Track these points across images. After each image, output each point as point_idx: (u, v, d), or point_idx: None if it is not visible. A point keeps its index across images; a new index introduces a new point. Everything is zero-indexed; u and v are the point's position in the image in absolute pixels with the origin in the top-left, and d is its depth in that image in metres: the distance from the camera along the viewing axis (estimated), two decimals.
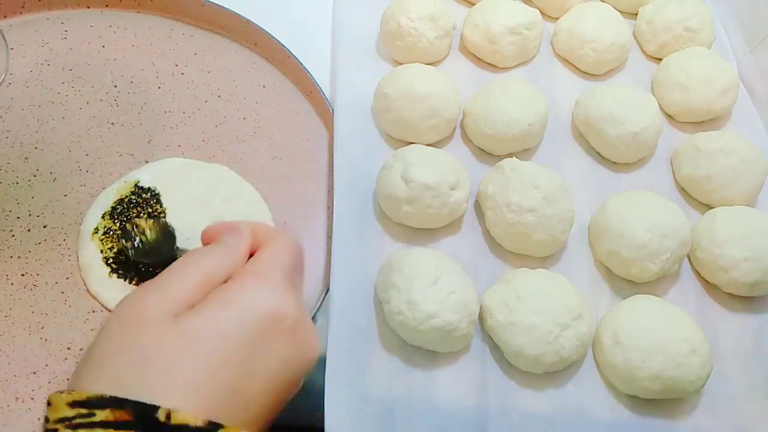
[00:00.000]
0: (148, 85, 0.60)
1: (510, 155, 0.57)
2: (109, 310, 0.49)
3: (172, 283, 0.32)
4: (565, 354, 0.46)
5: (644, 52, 0.69)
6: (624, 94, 0.59)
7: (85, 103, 0.58)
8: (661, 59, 0.67)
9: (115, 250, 0.51)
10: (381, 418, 0.45)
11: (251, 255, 0.37)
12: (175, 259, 0.48)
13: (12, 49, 0.59)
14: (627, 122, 0.57)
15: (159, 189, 0.54)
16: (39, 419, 0.44)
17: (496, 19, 0.62)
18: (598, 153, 0.61)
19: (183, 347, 0.29)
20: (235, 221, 0.39)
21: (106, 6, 0.64)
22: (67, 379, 0.45)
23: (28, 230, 0.51)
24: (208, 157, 0.57)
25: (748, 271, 0.51)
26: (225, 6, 0.63)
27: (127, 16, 0.64)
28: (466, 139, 0.59)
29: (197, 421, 0.28)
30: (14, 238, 0.51)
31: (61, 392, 0.29)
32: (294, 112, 0.61)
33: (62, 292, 0.49)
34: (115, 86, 0.60)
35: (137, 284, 0.50)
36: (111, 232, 0.52)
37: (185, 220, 0.53)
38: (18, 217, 0.52)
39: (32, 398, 0.44)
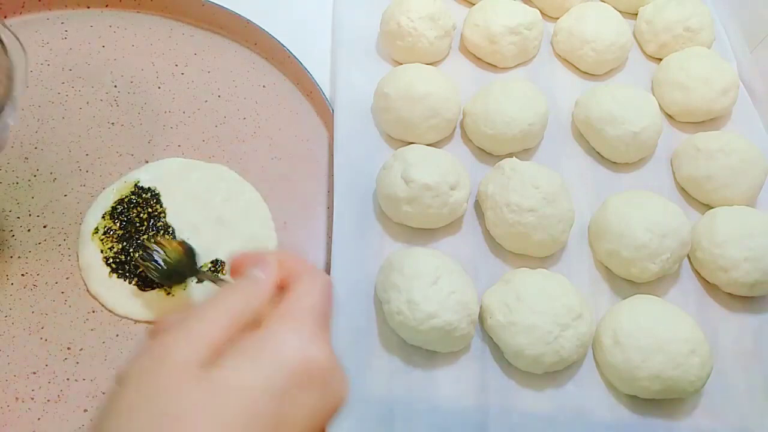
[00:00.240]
0: (148, 85, 0.60)
1: (510, 155, 0.57)
2: (109, 310, 0.49)
3: (198, 328, 0.30)
4: (565, 354, 0.46)
5: (644, 52, 0.69)
6: (624, 94, 0.59)
7: (85, 103, 0.58)
8: (661, 59, 0.67)
9: (115, 250, 0.51)
10: (381, 418, 0.45)
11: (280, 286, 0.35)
12: (196, 278, 0.48)
13: None
14: (627, 122, 0.57)
15: (159, 189, 0.54)
16: (39, 419, 0.44)
17: (496, 19, 0.62)
18: (598, 153, 0.61)
19: (209, 403, 0.27)
20: (263, 252, 0.37)
21: (106, 6, 0.64)
22: (67, 379, 0.45)
23: (28, 230, 0.51)
24: (208, 157, 0.57)
25: (748, 271, 0.51)
26: (225, 6, 0.63)
27: (127, 16, 0.64)
28: (466, 139, 0.59)
29: None
30: (14, 238, 0.51)
31: None
32: (294, 112, 0.61)
33: (62, 292, 0.49)
34: (115, 86, 0.60)
35: (137, 284, 0.50)
36: (111, 232, 0.52)
37: (185, 220, 0.53)
38: (18, 217, 0.52)
39: (32, 398, 0.44)
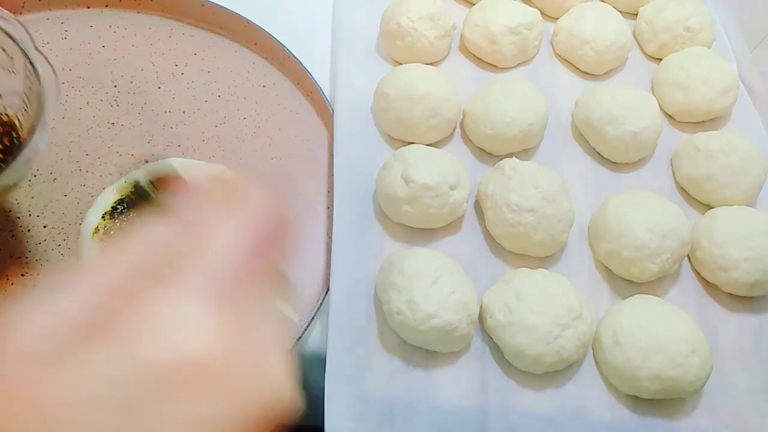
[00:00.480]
0: (148, 85, 0.60)
1: (510, 155, 0.57)
2: None
3: (64, 297, 0.21)
4: (565, 354, 0.46)
5: (644, 52, 0.69)
6: (624, 94, 0.59)
7: (85, 103, 0.58)
8: (661, 59, 0.67)
9: None
10: (381, 418, 0.45)
11: None
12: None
13: None
14: (627, 122, 0.57)
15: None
16: None
17: (496, 19, 0.62)
18: (598, 153, 0.60)
19: (35, 418, 0.19)
20: (196, 179, 0.26)
21: (106, 6, 0.64)
22: None
23: (28, 230, 0.51)
24: (208, 157, 0.57)
25: (748, 271, 0.51)
26: (225, 6, 0.63)
27: (127, 16, 0.64)
28: (466, 139, 0.59)
29: None
30: (14, 238, 0.51)
31: None
32: (294, 112, 0.61)
33: None
34: (115, 86, 0.60)
35: None
36: (111, 232, 0.52)
37: None
38: (18, 217, 0.52)
39: None
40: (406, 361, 0.47)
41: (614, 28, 0.64)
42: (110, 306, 0.21)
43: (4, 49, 0.43)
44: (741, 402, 0.49)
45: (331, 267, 0.50)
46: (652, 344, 0.46)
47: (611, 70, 0.67)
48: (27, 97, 0.43)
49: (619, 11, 0.67)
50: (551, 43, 0.68)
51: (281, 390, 0.21)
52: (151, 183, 0.29)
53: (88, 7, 0.63)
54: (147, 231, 0.23)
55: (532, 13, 0.64)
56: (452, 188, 0.51)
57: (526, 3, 0.69)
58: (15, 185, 0.45)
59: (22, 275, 0.49)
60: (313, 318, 0.49)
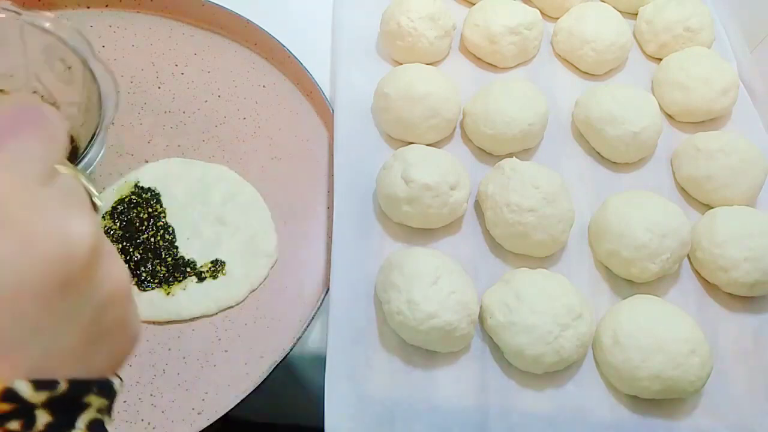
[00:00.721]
0: (148, 85, 0.60)
1: (510, 155, 0.57)
2: None
3: None
4: (565, 354, 0.46)
5: (644, 52, 0.69)
6: (624, 94, 0.59)
7: None
8: (661, 59, 0.67)
9: (115, 249, 0.51)
10: (381, 418, 0.45)
11: None
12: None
13: None
14: (627, 122, 0.57)
15: (159, 189, 0.54)
16: None
17: (496, 19, 0.62)
18: (598, 153, 0.60)
19: None
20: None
21: (106, 6, 0.64)
22: None
23: None
24: (208, 157, 0.57)
25: (748, 271, 0.51)
26: (225, 6, 0.63)
27: (127, 16, 0.64)
28: (466, 139, 0.59)
29: None
30: None
31: None
32: (294, 112, 0.61)
33: None
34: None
35: (137, 284, 0.50)
36: (111, 232, 0.52)
37: (185, 220, 0.53)
38: None
39: None
40: (406, 361, 0.47)
41: (614, 28, 0.64)
42: None
43: (63, 60, 0.42)
44: (741, 402, 0.49)
45: (331, 267, 0.50)
46: (652, 344, 0.46)
47: (611, 70, 0.66)
48: (85, 107, 0.42)
49: (619, 11, 0.67)
50: (551, 43, 0.68)
51: (75, 238, 0.19)
52: None
53: (88, 7, 0.63)
54: None
55: (532, 13, 0.64)
56: (452, 188, 0.51)
57: (526, 3, 0.69)
58: None
59: None
60: (313, 318, 0.49)
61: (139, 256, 0.51)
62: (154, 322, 0.49)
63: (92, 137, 0.40)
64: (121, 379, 0.22)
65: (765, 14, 0.68)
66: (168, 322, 0.49)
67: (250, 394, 0.46)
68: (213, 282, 0.51)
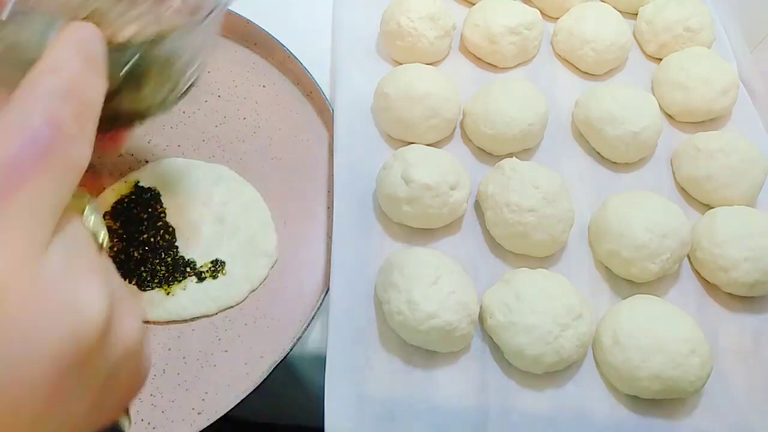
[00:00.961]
0: None
1: (510, 155, 0.57)
2: None
3: None
4: (565, 354, 0.46)
5: (644, 52, 0.69)
6: (624, 94, 0.59)
7: None
8: (661, 59, 0.67)
9: (115, 249, 0.51)
10: (381, 418, 0.45)
11: None
12: None
13: None
14: (627, 122, 0.57)
15: (159, 189, 0.54)
16: None
17: (496, 19, 0.62)
18: (598, 153, 0.60)
19: None
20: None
21: None
22: None
23: None
24: (208, 157, 0.57)
25: (748, 271, 0.51)
26: None
27: None
28: (466, 139, 0.59)
29: None
30: None
31: None
32: (294, 112, 0.61)
33: None
34: None
35: (137, 284, 0.50)
36: (111, 232, 0.52)
37: (185, 220, 0.53)
38: None
39: None
40: (406, 361, 0.47)
41: (614, 28, 0.64)
42: None
43: None
44: (741, 402, 0.49)
45: (331, 267, 0.50)
46: (652, 344, 0.46)
47: (611, 70, 0.66)
48: None
49: (619, 11, 0.67)
50: (551, 43, 0.68)
51: (84, 314, 0.18)
52: None
53: None
54: None
55: (532, 13, 0.64)
56: (452, 188, 0.51)
57: (526, 3, 0.69)
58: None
59: None
60: (313, 318, 0.49)
61: (139, 256, 0.51)
62: (154, 322, 0.49)
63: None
64: (129, 417, 0.21)
65: (765, 14, 0.68)
66: (168, 322, 0.49)
67: (250, 394, 0.46)
68: (213, 282, 0.51)
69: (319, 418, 0.44)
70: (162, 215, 0.53)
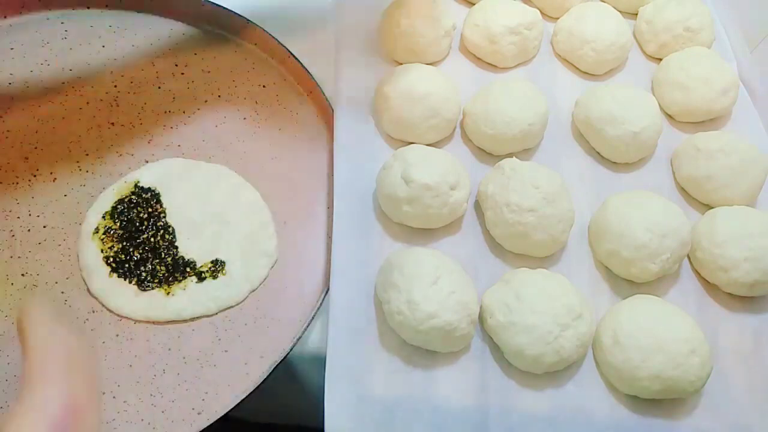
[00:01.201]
0: (148, 85, 0.60)
1: (510, 155, 0.57)
2: (110, 310, 0.49)
3: None
4: (565, 354, 0.46)
5: (644, 52, 0.69)
6: (624, 94, 0.59)
7: (85, 103, 0.58)
8: (661, 59, 0.67)
9: (115, 249, 0.51)
10: (381, 418, 0.45)
11: None
12: None
13: (12, 49, 0.59)
14: (627, 122, 0.57)
15: (159, 189, 0.54)
16: None
17: (496, 19, 0.62)
18: (598, 153, 0.60)
19: None
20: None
21: (106, 6, 0.64)
22: None
23: (28, 230, 0.51)
24: (208, 157, 0.57)
25: (748, 271, 0.51)
26: (225, 6, 0.63)
27: (127, 16, 0.64)
28: (466, 139, 0.59)
29: None
30: (14, 238, 0.51)
31: None
32: (294, 112, 0.61)
33: (62, 292, 0.49)
34: (115, 86, 0.60)
35: (137, 284, 0.50)
36: (111, 232, 0.52)
37: (185, 220, 0.53)
38: (18, 217, 0.52)
39: None
40: (406, 361, 0.47)
41: (614, 28, 0.64)
42: None
43: None
44: (741, 402, 0.49)
45: (331, 267, 0.50)
46: (652, 344, 0.46)
47: (611, 70, 0.66)
48: None
49: (619, 11, 0.67)
50: (551, 43, 0.68)
51: None
52: None
53: (88, 7, 0.63)
54: None
55: (532, 13, 0.64)
56: (452, 188, 0.51)
57: (526, 3, 0.69)
58: None
59: (22, 275, 0.49)
60: (313, 318, 0.49)
61: (139, 256, 0.51)
62: (154, 322, 0.49)
63: None
64: None
65: (765, 14, 0.68)
66: (168, 322, 0.49)
67: (250, 394, 0.46)
68: (213, 282, 0.51)
69: (319, 418, 0.44)
70: (162, 215, 0.53)
